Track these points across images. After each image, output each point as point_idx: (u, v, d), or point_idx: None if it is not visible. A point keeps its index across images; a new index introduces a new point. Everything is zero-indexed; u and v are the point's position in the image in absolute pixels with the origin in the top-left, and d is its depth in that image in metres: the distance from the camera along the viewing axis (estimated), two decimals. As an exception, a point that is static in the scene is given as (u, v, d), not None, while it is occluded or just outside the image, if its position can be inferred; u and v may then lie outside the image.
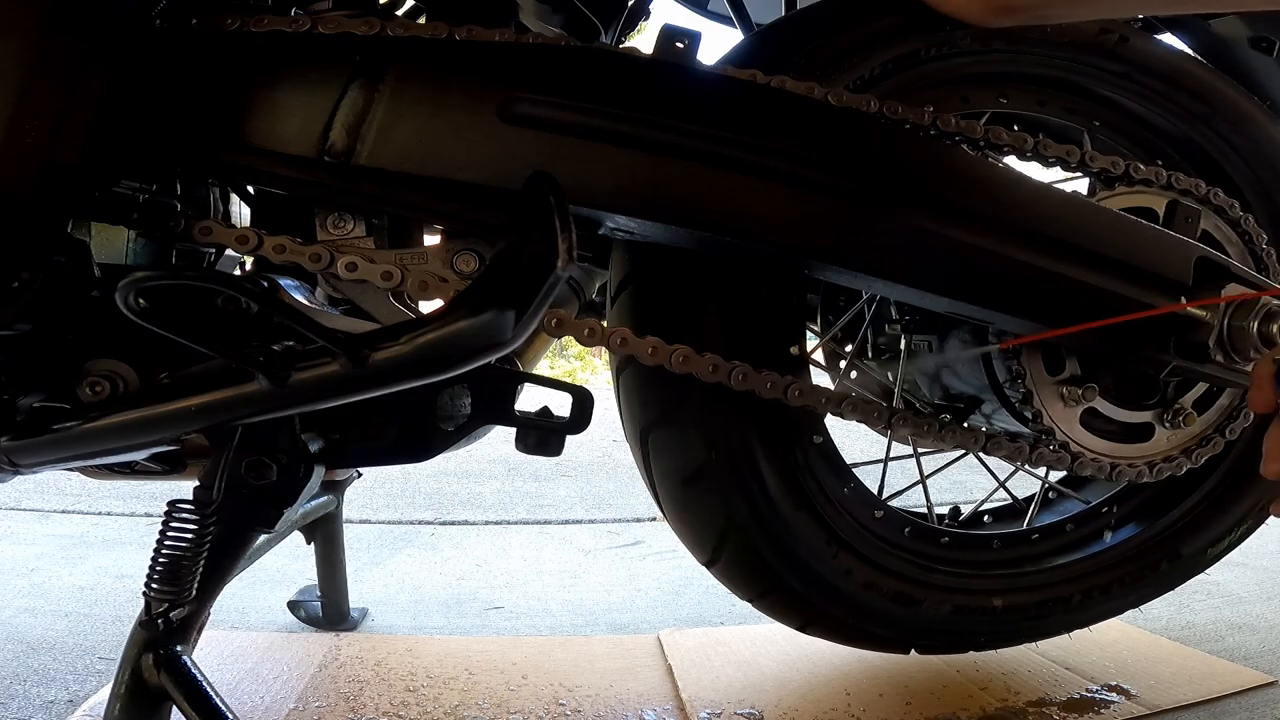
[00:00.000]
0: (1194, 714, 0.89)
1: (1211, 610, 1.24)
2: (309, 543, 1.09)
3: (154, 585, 0.59)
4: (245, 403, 0.53)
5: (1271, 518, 0.92)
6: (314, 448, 0.63)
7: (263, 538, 0.77)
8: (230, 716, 0.57)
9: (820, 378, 0.82)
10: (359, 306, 0.67)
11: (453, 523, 1.82)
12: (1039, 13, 0.69)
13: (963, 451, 0.85)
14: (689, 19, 1.24)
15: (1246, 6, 0.82)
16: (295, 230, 0.61)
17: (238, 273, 0.82)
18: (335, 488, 1.08)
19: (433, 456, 0.67)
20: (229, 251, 0.69)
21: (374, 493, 1.96)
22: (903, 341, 0.87)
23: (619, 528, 1.81)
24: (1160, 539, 0.92)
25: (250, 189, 0.72)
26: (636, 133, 0.61)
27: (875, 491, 0.84)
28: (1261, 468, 0.58)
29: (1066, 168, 0.77)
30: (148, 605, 0.59)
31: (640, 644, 1.06)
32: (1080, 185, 0.82)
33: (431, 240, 0.66)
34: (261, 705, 0.85)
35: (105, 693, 0.85)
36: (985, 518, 0.95)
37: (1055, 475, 0.95)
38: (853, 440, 0.93)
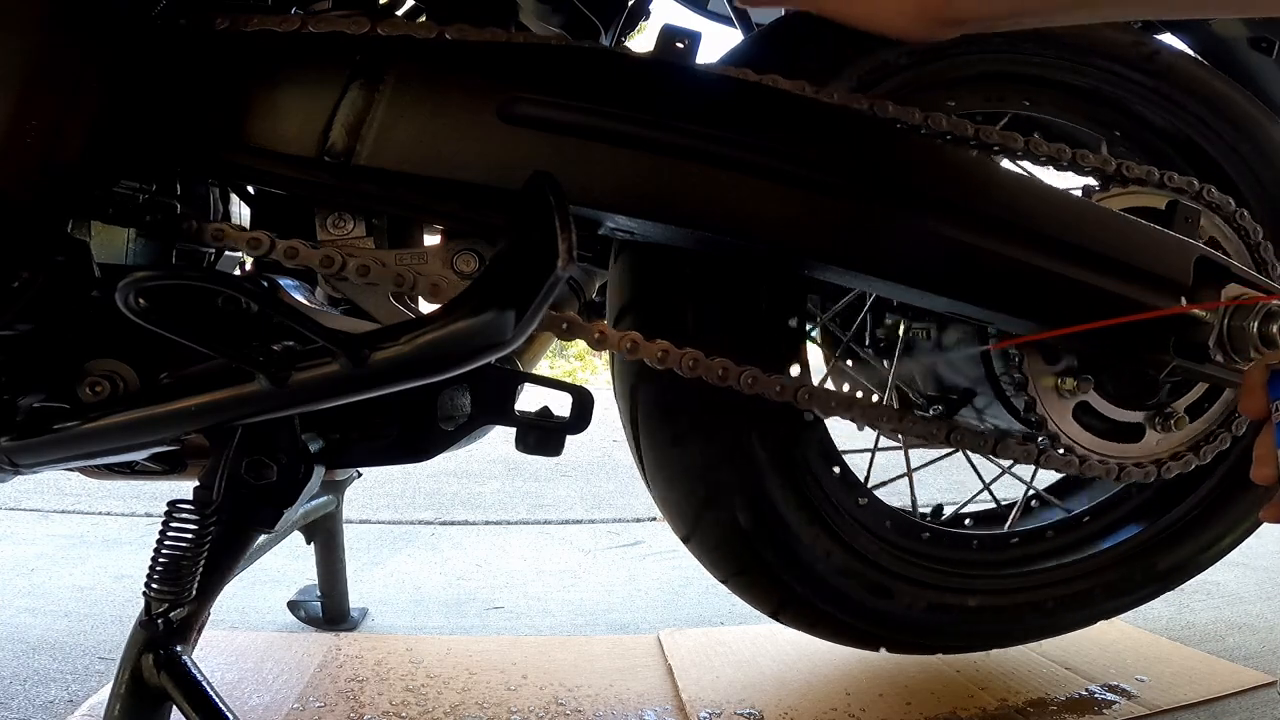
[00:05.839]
0: (1194, 714, 0.89)
1: (1211, 610, 1.24)
2: (309, 543, 1.09)
3: (154, 585, 0.59)
4: (245, 403, 0.53)
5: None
6: (314, 448, 0.63)
7: (263, 538, 0.77)
8: (230, 716, 0.57)
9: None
10: (359, 306, 0.67)
11: (453, 523, 1.82)
12: (984, 23, 0.69)
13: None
14: (689, 19, 1.24)
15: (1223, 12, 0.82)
16: (297, 231, 0.61)
17: (238, 273, 0.82)
18: (335, 488, 1.08)
19: (433, 456, 0.66)
20: (228, 251, 0.69)
21: (374, 493, 1.96)
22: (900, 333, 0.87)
23: (619, 528, 1.81)
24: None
25: (250, 189, 0.72)
26: (636, 133, 0.61)
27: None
28: (1251, 473, 0.57)
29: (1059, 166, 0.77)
30: (148, 605, 0.59)
31: (640, 644, 1.06)
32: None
33: (432, 240, 0.66)
34: (261, 705, 0.85)
35: (105, 693, 0.85)
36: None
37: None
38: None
